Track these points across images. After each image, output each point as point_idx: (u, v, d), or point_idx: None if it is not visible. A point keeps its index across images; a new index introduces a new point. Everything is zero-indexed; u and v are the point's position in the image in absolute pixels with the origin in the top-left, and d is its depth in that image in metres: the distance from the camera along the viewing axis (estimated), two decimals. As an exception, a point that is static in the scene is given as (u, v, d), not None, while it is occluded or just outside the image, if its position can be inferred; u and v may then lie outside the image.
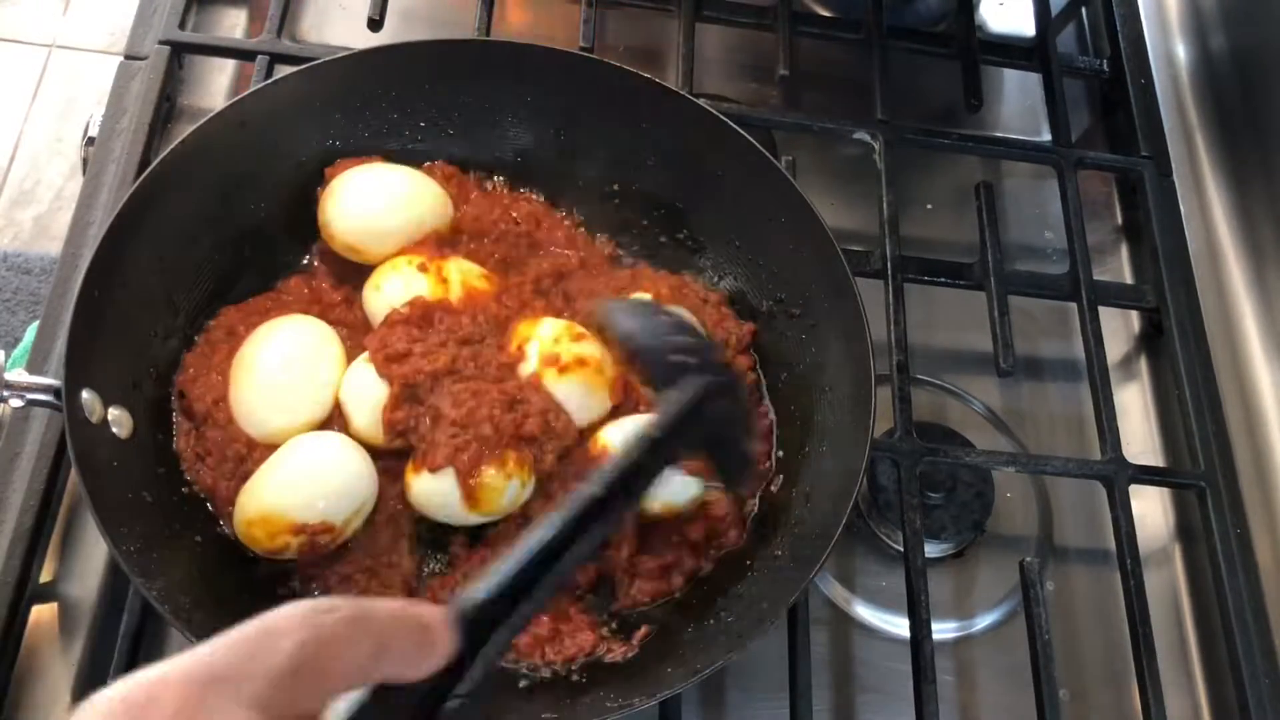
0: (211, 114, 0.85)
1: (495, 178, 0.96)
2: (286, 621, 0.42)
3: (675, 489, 0.81)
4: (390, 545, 0.80)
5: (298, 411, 0.81)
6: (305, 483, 0.77)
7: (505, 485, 0.79)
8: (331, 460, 0.78)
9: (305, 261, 0.91)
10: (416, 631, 0.45)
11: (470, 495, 0.78)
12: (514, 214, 0.94)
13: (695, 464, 0.81)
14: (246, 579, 0.78)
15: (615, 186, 0.95)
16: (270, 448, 0.80)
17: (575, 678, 0.78)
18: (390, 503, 0.81)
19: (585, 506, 0.56)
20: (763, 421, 0.88)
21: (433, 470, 0.78)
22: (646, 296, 0.87)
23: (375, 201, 0.88)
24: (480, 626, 0.48)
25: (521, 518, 0.81)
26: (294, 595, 0.78)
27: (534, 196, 0.96)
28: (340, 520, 0.77)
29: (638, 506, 0.61)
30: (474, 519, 0.79)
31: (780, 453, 0.87)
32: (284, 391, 0.81)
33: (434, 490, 0.78)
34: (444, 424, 0.79)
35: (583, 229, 0.95)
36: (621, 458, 0.60)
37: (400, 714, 0.45)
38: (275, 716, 0.40)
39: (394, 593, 0.79)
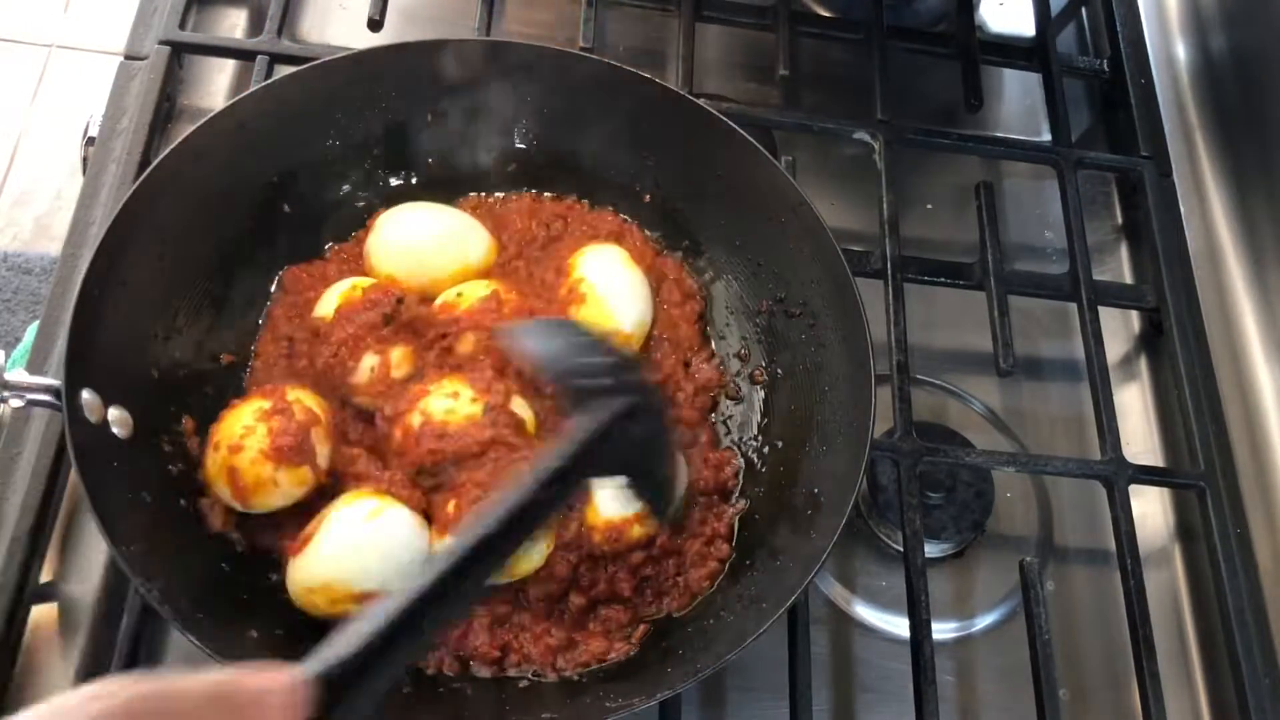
0: (211, 114, 0.84)
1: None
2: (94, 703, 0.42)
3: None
4: None
5: None
6: (366, 553, 0.76)
7: (530, 547, 0.78)
8: (391, 529, 0.77)
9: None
10: (256, 700, 0.45)
11: None
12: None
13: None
14: (249, 583, 0.78)
15: (615, 187, 0.95)
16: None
17: (575, 678, 0.78)
18: None
19: (471, 551, 0.54)
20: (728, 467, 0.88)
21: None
22: (564, 319, 0.84)
23: (420, 238, 0.89)
24: (340, 684, 0.48)
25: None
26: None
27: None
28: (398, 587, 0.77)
29: (536, 540, 0.60)
30: (501, 581, 0.79)
31: (763, 464, 0.87)
32: None
33: None
34: (466, 487, 0.78)
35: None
36: (518, 494, 0.57)
37: None
38: None
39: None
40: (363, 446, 0.82)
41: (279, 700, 0.46)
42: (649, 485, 0.70)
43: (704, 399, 0.90)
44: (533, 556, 0.78)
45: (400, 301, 0.84)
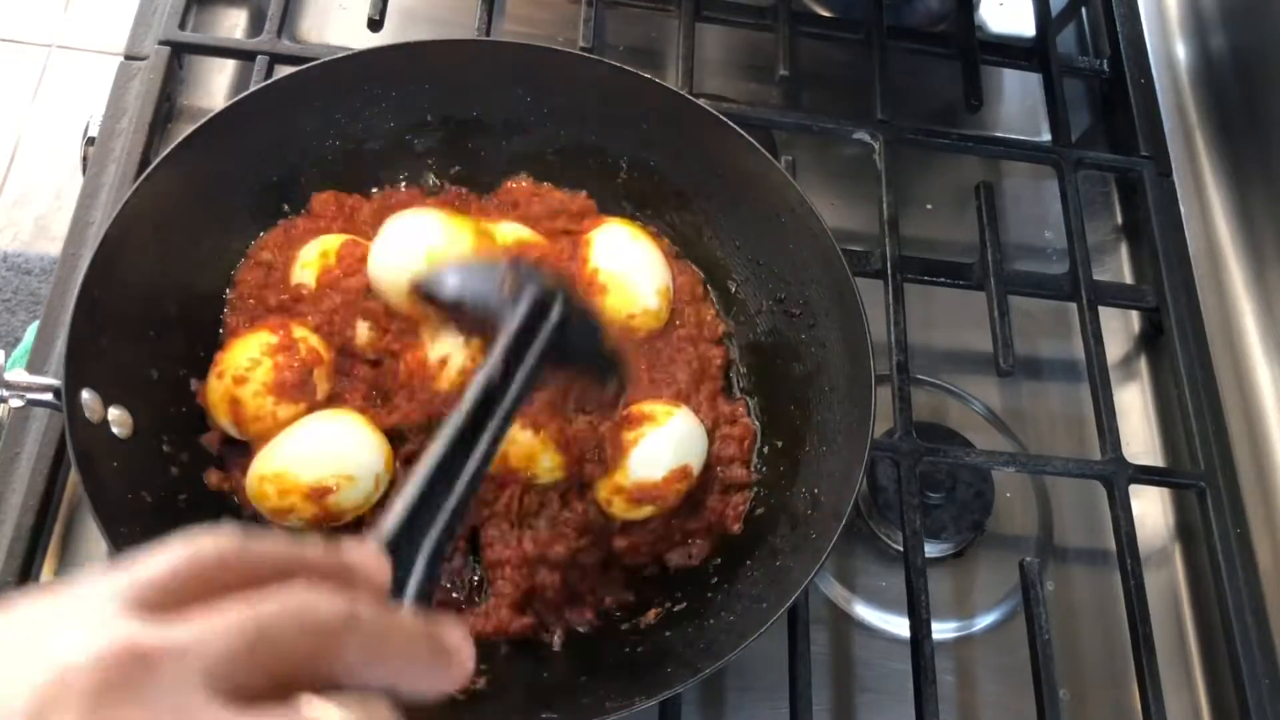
0: (211, 114, 0.84)
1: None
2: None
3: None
4: None
5: None
6: (324, 447, 0.77)
7: (542, 456, 0.80)
8: (353, 434, 0.79)
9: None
10: (344, 571, 0.44)
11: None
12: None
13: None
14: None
15: (615, 186, 0.95)
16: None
17: (575, 678, 0.78)
18: None
19: (456, 434, 0.58)
20: (744, 433, 0.88)
21: None
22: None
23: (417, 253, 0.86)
24: (399, 550, 0.51)
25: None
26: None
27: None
28: (350, 504, 0.78)
29: (510, 424, 0.62)
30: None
31: (762, 464, 0.87)
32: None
33: None
34: None
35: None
36: (480, 378, 0.62)
37: None
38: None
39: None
40: (365, 381, 0.84)
41: (368, 573, 0.45)
42: (600, 366, 0.75)
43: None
44: (544, 463, 0.80)
45: None
